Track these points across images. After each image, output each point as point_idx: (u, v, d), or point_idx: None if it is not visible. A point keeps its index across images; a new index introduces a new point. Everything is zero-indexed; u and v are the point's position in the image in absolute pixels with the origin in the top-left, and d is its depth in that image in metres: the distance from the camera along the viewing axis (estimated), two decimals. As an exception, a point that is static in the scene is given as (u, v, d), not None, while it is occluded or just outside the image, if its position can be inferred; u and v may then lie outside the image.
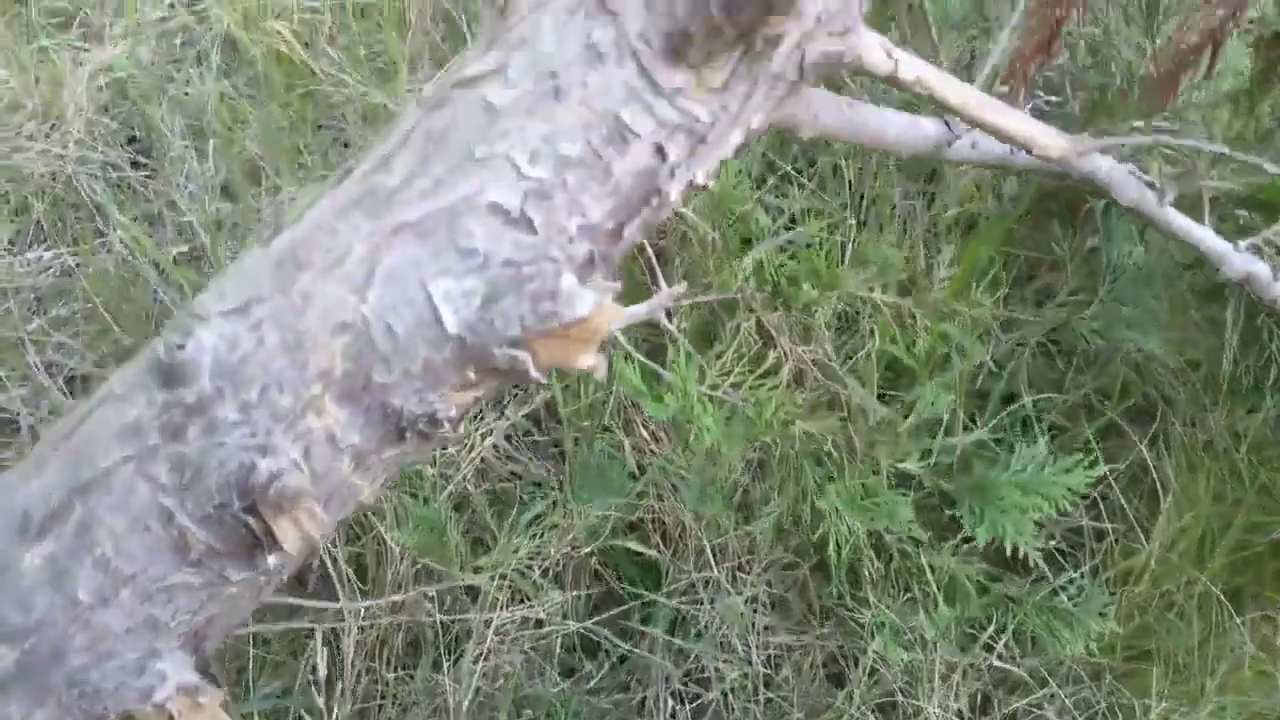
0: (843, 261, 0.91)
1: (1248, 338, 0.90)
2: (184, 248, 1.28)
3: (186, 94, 1.49)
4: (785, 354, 0.97)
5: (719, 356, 0.92)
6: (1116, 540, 1.13)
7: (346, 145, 1.44)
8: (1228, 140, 0.63)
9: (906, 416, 1.03)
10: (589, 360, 0.52)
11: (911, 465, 0.88)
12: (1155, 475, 1.12)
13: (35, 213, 1.42)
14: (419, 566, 1.05)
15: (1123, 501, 1.10)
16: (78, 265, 1.33)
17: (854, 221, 0.94)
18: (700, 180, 0.54)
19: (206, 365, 0.49)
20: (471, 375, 0.52)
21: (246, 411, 0.49)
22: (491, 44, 0.50)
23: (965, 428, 1.11)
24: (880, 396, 1.06)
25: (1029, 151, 0.62)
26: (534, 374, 0.51)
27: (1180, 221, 0.68)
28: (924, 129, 0.71)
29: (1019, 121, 0.61)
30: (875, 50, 0.56)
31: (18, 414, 1.18)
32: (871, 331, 0.98)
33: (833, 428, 0.89)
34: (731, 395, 0.91)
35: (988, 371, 1.09)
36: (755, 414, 0.88)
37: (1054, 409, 1.13)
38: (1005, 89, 0.66)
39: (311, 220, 0.51)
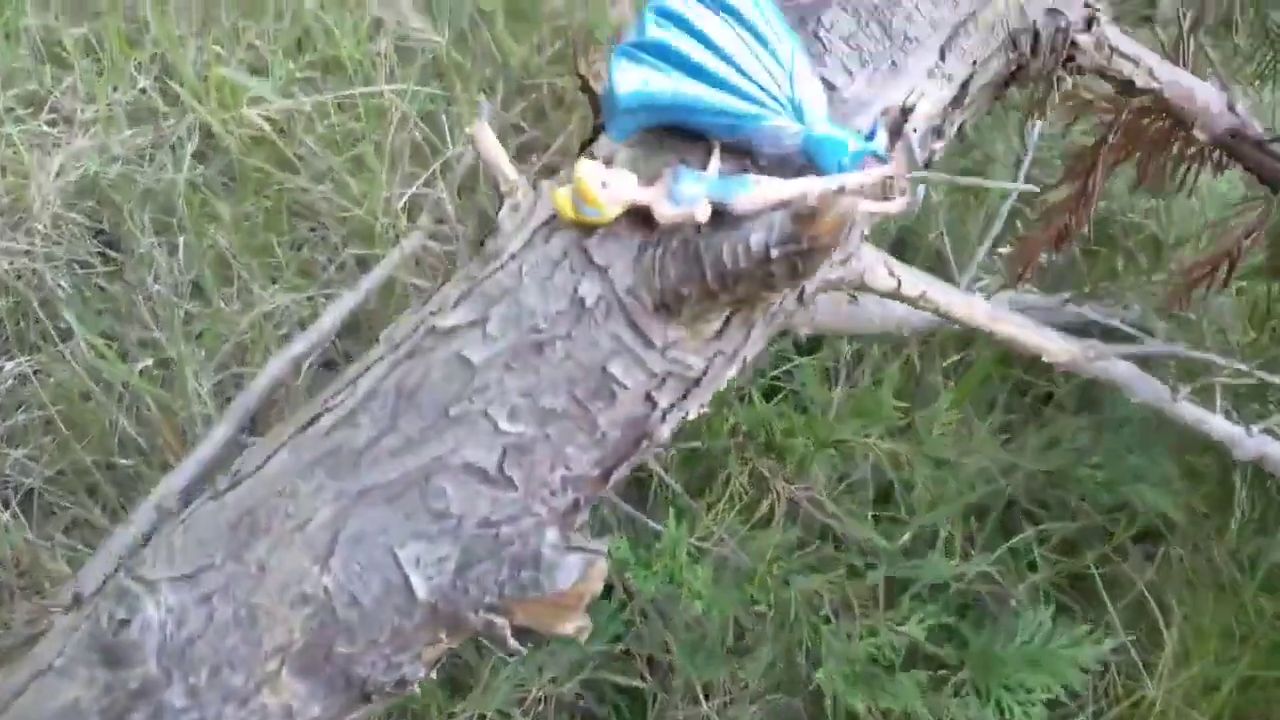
0: (834, 413, 0.87)
1: (1255, 490, 0.87)
2: (149, 360, 1.22)
3: (158, 181, 1.45)
4: (778, 495, 0.93)
5: (710, 507, 0.88)
6: (1120, 672, 1.09)
7: (322, 236, 1.40)
8: (1242, 346, 0.60)
9: (904, 551, 0.99)
10: (572, 625, 0.47)
11: (912, 628, 0.84)
12: (1158, 607, 1.08)
13: (-3, 313, 1.36)
14: (391, 715, 1.00)
15: (1124, 638, 1.06)
16: (37, 373, 1.28)
17: (848, 362, 0.91)
18: (694, 415, 0.50)
19: (153, 647, 0.44)
20: (443, 636, 0.48)
21: (195, 695, 0.45)
22: (470, 291, 0.46)
23: (966, 554, 1.08)
24: (876, 519, 1.02)
25: (1039, 359, 0.58)
26: (511, 643, 0.47)
27: (1192, 414, 0.65)
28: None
29: (1028, 331, 0.57)
30: (878, 269, 0.52)
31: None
32: (866, 457, 0.94)
33: (830, 585, 0.85)
34: (724, 547, 0.87)
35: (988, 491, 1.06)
36: (750, 569, 0.84)
37: (1055, 536, 1.10)
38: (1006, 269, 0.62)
39: (272, 475, 0.46)
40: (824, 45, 0.43)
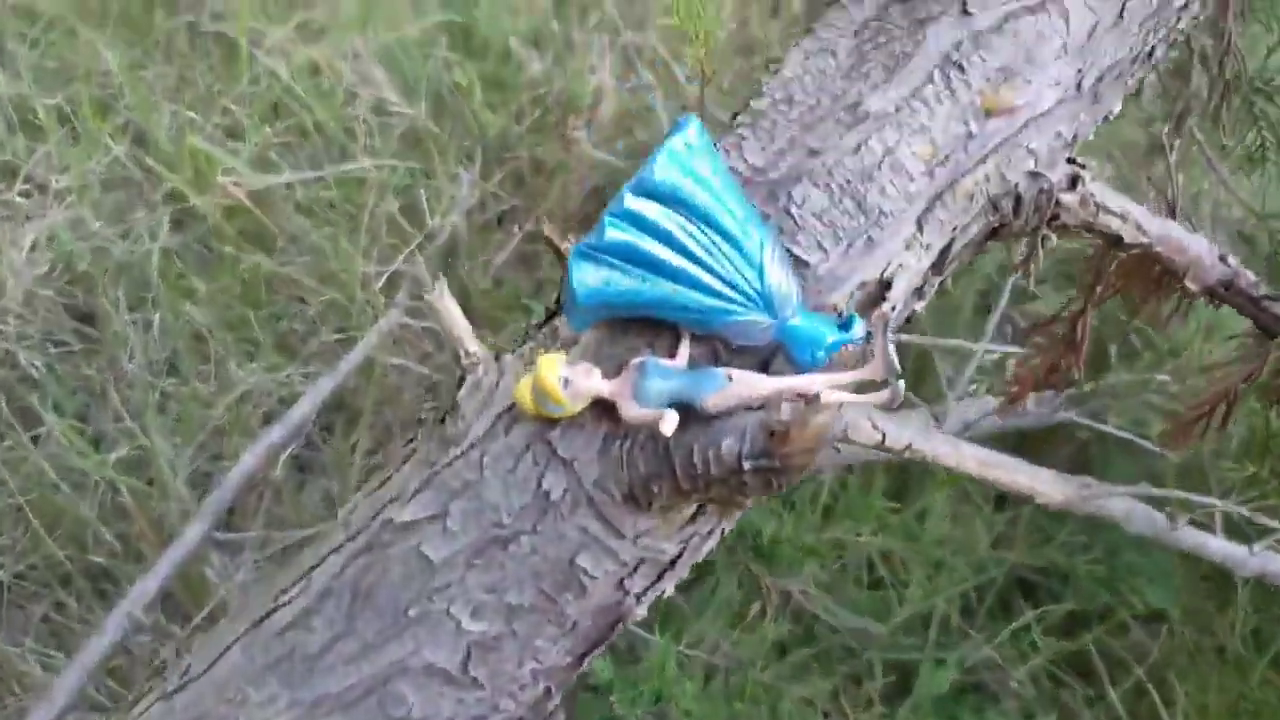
0: (827, 515, 0.85)
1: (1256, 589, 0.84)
2: (124, 448, 1.19)
3: (132, 253, 1.42)
4: (768, 593, 0.90)
5: (700, 611, 0.86)
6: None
7: (299, 309, 1.37)
8: (1241, 483, 0.58)
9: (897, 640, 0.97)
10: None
11: (908, 737, 0.81)
12: (1162, 686, 1.05)
13: (-32, 397, 1.33)
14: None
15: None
16: (8, 461, 1.24)
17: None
18: (670, 592, 0.47)
19: None
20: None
21: None
22: (429, 481, 0.43)
23: (965, 634, 1.05)
24: (873, 584, 0.99)
25: (1031, 500, 0.56)
26: None
27: (1192, 539, 0.63)
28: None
29: (1019, 475, 0.55)
30: (861, 424, 0.50)
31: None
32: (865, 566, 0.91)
33: (822, 692, 0.82)
34: (715, 655, 0.84)
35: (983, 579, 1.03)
36: (741, 677, 0.81)
37: (1053, 616, 1.07)
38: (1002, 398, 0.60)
39: (222, 678, 0.44)
40: (796, 222, 0.41)
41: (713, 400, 0.38)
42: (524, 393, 0.40)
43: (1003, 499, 1.11)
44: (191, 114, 1.43)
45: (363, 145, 1.34)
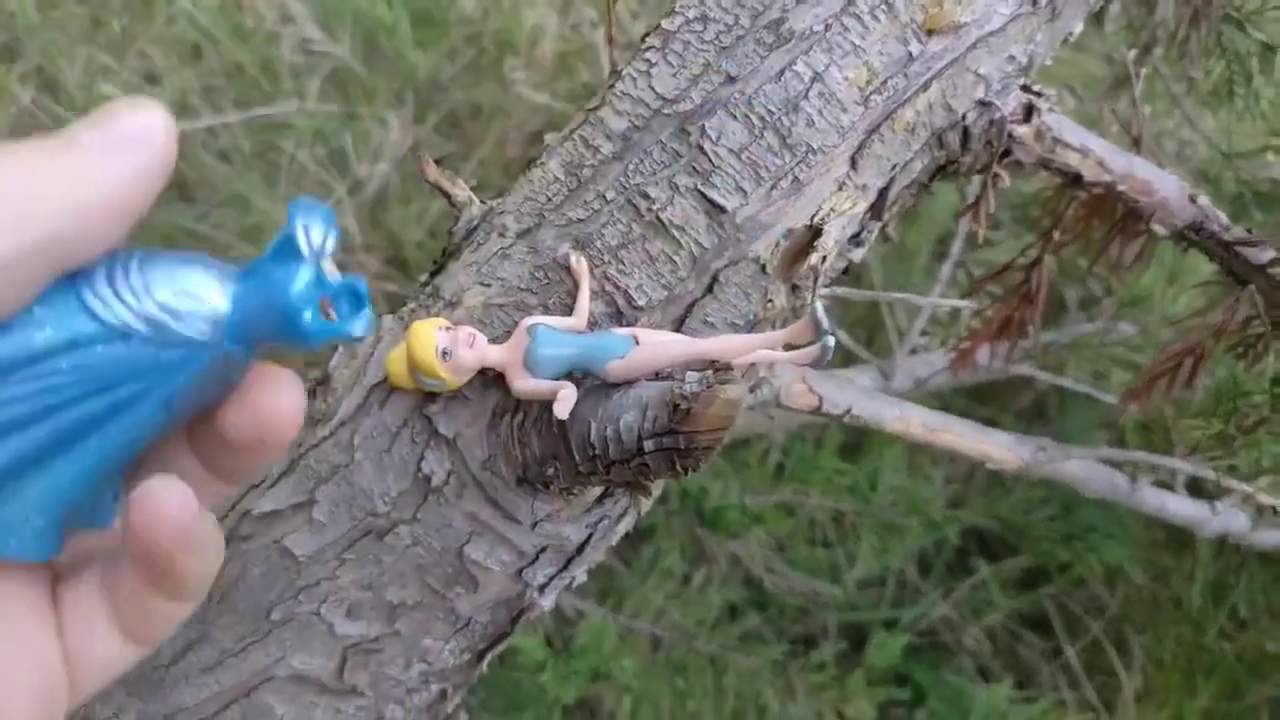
0: (781, 474, 0.80)
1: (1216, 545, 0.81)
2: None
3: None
4: (715, 559, 0.86)
5: (642, 580, 0.81)
6: (1084, 709, 1.04)
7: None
8: (1204, 441, 0.54)
9: (851, 601, 0.93)
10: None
11: (860, 709, 0.78)
12: (1121, 642, 1.03)
13: None
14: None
15: (1083, 678, 1.01)
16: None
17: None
18: (581, 579, 0.42)
19: None
20: None
21: None
22: (293, 466, 0.37)
23: (920, 592, 1.03)
24: (827, 544, 0.96)
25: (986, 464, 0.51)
26: None
27: (1153, 500, 0.59)
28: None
29: (969, 439, 0.50)
30: (795, 388, 0.45)
31: None
32: (812, 524, 0.87)
33: (766, 665, 0.78)
34: (660, 623, 0.80)
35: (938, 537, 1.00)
36: (684, 648, 0.77)
37: (1010, 575, 1.04)
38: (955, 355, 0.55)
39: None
40: (711, 160, 0.35)
41: (615, 368, 0.33)
42: (397, 365, 0.35)
43: (955, 474, 1.08)
44: (105, 58, 1.34)
45: (286, 88, 1.26)
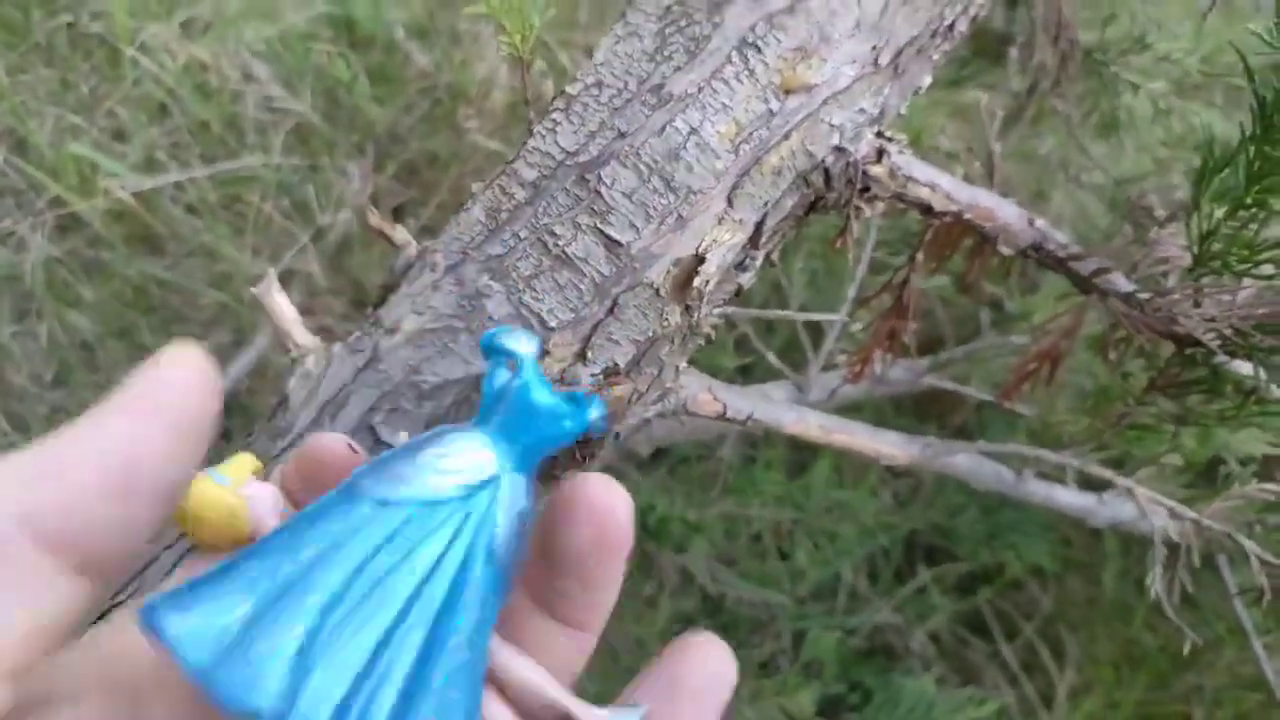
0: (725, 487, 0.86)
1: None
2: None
3: (13, 263, 1.38)
4: (664, 571, 0.91)
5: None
6: (1021, 709, 1.10)
7: (191, 314, 1.35)
8: (1075, 433, 0.60)
9: (800, 607, 0.99)
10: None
11: (802, 703, 0.83)
12: (1057, 640, 1.09)
13: None
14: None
15: (1022, 677, 1.07)
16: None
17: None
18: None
19: None
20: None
21: None
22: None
23: (868, 600, 1.08)
24: (783, 555, 1.01)
25: (878, 460, 0.57)
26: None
27: (1041, 492, 0.65)
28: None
29: (863, 439, 0.56)
30: (701, 397, 0.51)
31: None
32: (755, 538, 0.93)
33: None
34: (612, 637, 0.85)
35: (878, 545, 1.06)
36: (637, 658, 0.83)
37: (950, 579, 1.10)
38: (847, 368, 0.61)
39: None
40: (607, 202, 0.41)
41: None
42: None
43: (886, 480, 1.14)
44: (74, 118, 1.39)
45: (250, 143, 1.32)
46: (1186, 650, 0.53)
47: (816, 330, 0.87)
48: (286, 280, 1.26)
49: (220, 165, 1.29)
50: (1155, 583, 0.50)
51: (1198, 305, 0.44)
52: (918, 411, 1.13)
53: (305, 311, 1.25)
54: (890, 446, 0.56)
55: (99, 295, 1.31)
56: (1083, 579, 1.10)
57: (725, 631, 1.05)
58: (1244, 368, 0.49)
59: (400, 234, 0.47)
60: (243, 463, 0.30)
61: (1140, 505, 0.54)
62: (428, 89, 1.34)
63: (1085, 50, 0.78)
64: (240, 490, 0.29)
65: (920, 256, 0.50)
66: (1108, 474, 0.57)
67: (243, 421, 1.23)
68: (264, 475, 0.32)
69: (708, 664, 0.30)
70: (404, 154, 1.34)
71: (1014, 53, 0.95)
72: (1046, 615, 1.14)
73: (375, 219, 0.46)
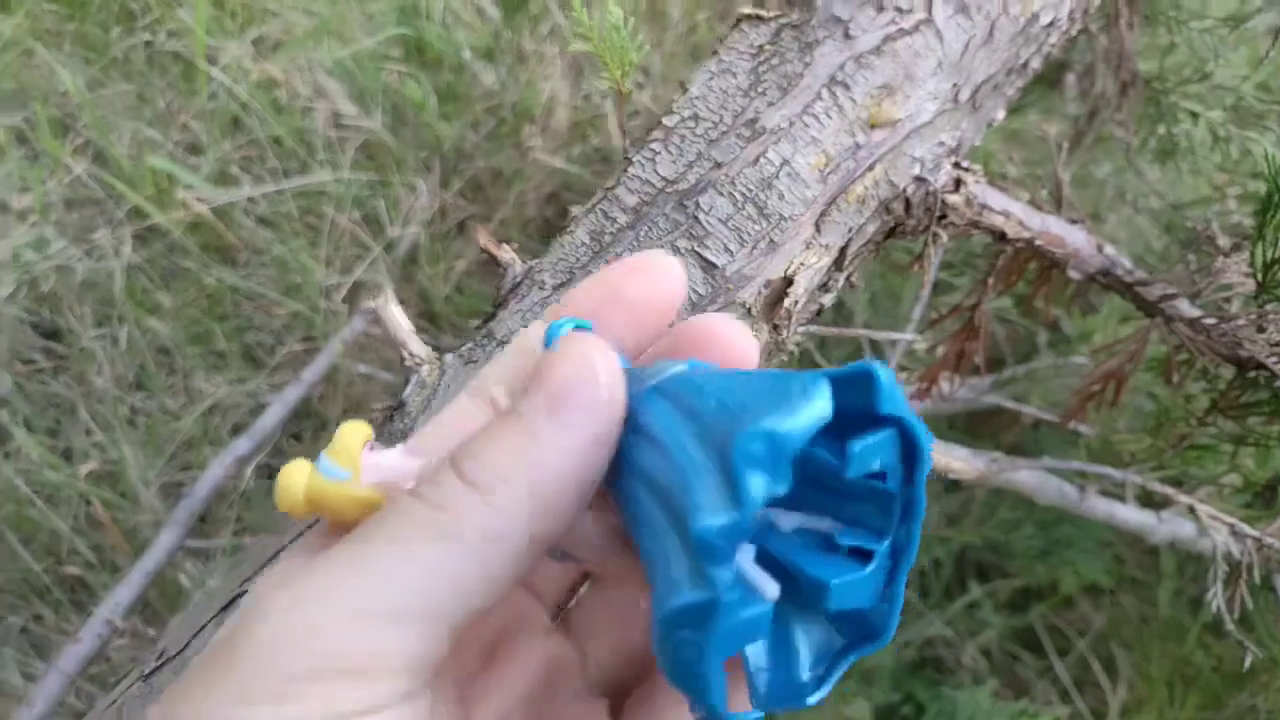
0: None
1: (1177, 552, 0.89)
2: (95, 461, 1.22)
3: (96, 270, 1.44)
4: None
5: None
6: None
7: (264, 321, 1.40)
8: (1138, 453, 0.62)
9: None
10: None
11: (859, 711, 0.85)
12: (1108, 657, 1.10)
13: (-63, 416, 1.35)
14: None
15: (1074, 693, 1.08)
16: (-18, 479, 1.26)
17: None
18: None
19: None
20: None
21: None
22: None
23: (919, 614, 1.10)
24: None
25: (946, 475, 0.60)
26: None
27: (1103, 508, 0.67)
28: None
29: (937, 453, 0.59)
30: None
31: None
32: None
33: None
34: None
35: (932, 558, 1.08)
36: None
37: (1003, 594, 1.12)
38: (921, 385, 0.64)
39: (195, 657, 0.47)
40: (704, 228, 0.45)
41: None
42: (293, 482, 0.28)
43: (955, 483, 1.16)
44: (151, 131, 1.46)
45: (321, 158, 1.37)
46: (1246, 666, 0.55)
47: (876, 348, 0.90)
48: (356, 291, 1.31)
49: (293, 180, 1.35)
50: (1217, 598, 0.52)
51: (1261, 330, 0.47)
52: (971, 430, 1.14)
53: (375, 321, 1.30)
54: (959, 461, 0.59)
55: (177, 302, 1.36)
56: (1136, 597, 1.11)
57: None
58: (1305, 391, 0.51)
59: (506, 253, 0.50)
60: (351, 437, 0.28)
61: (1201, 522, 0.56)
62: (493, 108, 1.39)
63: (1144, 79, 0.80)
64: (365, 479, 0.27)
65: (991, 281, 0.53)
66: (1170, 491, 0.60)
67: (315, 425, 1.28)
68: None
69: (652, 278, 0.29)
70: (469, 170, 1.39)
71: (1071, 79, 0.97)
72: (1099, 633, 1.15)
73: (484, 238, 0.50)
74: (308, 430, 1.31)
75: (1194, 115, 0.78)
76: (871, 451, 0.25)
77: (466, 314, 1.31)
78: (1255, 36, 0.90)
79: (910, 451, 0.25)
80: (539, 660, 0.29)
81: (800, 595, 0.26)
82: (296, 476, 0.28)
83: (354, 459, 0.27)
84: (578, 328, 0.28)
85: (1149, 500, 0.72)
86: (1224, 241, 0.56)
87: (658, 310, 0.29)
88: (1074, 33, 0.52)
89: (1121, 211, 1.06)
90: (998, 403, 0.75)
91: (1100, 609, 1.13)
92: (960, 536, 0.97)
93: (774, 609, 0.24)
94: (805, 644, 0.26)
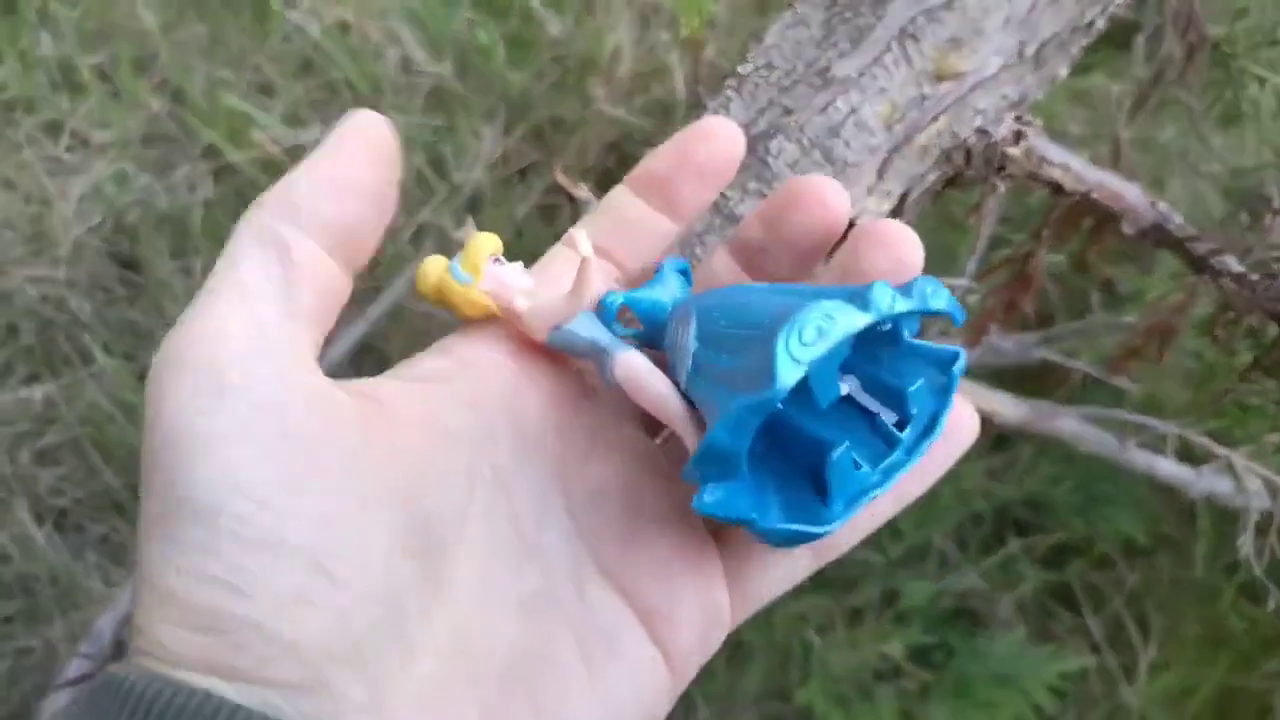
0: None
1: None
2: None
3: (174, 205, 1.50)
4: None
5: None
6: (1102, 679, 1.14)
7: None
8: (1180, 406, 0.64)
9: (897, 564, 1.05)
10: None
11: (893, 647, 0.89)
12: (1140, 617, 1.13)
13: (22, 338, 1.42)
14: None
15: (1105, 647, 1.11)
16: (64, 399, 1.34)
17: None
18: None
19: None
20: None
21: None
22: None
23: (957, 566, 1.13)
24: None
25: (992, 421, 0.63)
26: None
27: (1143, 460, 0.70)
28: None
29: (978, 397, 0.62)
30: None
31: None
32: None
33: (814, 606, 0.90)
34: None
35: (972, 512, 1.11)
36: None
37: (1040, 550, 1.14)
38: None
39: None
40: (772, 171, 0.47)
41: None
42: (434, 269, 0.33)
43: (1000, 440, 1.18)
44: (225, 72, 1.50)
45: (390, 102, 1.41)
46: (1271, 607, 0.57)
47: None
48: (422, 231, 1.35)
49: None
50: (1246, 545, 0.54)
51: (1307, 287, 0.49)
52: (1020, 387, 1.16)
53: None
54: (1006, 407, 0.61)
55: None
56: (1172, 558, 1.13)
57: (819, 586, 1.11)
58: (1349, 351, 0.53)
59: (582, 191, 0.53)
60: (479, 247, 0.32)
61: (1237, 475, 0.58)
62: (559, 57, 1.41)
63: (1213, 43, 0.81)
64: (483, 285, 0.32)
65: (1047, 233, 0.55)
66: (1209, 443, 0.62)
67: (376, 359, 1.33)
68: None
69: (707, 144, 0.34)
70: (533, 118, 1.41)
71: (1140, 41, 0.98)
72: (1133, 591, 1.17)
73: (562, 177, 0.53)
74: (368, 364, 1.37)
75: (1261, 81, 0.79)
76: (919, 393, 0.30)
77: (526, 257, 1.33)
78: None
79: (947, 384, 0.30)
80: (635, 451, 0.33)
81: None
82: (432, 270, 0.32)
83: (477, 266, 0.32)
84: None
85: (1190, 458, 0.74)
86: (1279, 202, 0.57)
87: (721, 170, 0.34)
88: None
89: (1184, 176, 1.07)
90: (1046, 357, 0.77)
91: (1136, 570, 1.15)
92: (1003, 490, 1.00)
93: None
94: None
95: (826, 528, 0.28)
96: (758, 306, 0.28)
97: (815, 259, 0.34)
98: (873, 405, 0.30)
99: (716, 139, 0.34)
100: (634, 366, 0.30)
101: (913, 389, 0.29)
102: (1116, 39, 1.00)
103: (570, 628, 0.29)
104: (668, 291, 0.33)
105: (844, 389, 0.30)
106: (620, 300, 0.32)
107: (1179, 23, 0.69)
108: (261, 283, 0.28)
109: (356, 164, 0.30)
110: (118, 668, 0.25)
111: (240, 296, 0.27)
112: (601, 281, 0.33)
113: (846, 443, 0.29)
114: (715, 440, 0.26)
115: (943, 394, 0.30)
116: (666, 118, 1.44)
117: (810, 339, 0.25)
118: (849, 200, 0.34)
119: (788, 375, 0.25)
